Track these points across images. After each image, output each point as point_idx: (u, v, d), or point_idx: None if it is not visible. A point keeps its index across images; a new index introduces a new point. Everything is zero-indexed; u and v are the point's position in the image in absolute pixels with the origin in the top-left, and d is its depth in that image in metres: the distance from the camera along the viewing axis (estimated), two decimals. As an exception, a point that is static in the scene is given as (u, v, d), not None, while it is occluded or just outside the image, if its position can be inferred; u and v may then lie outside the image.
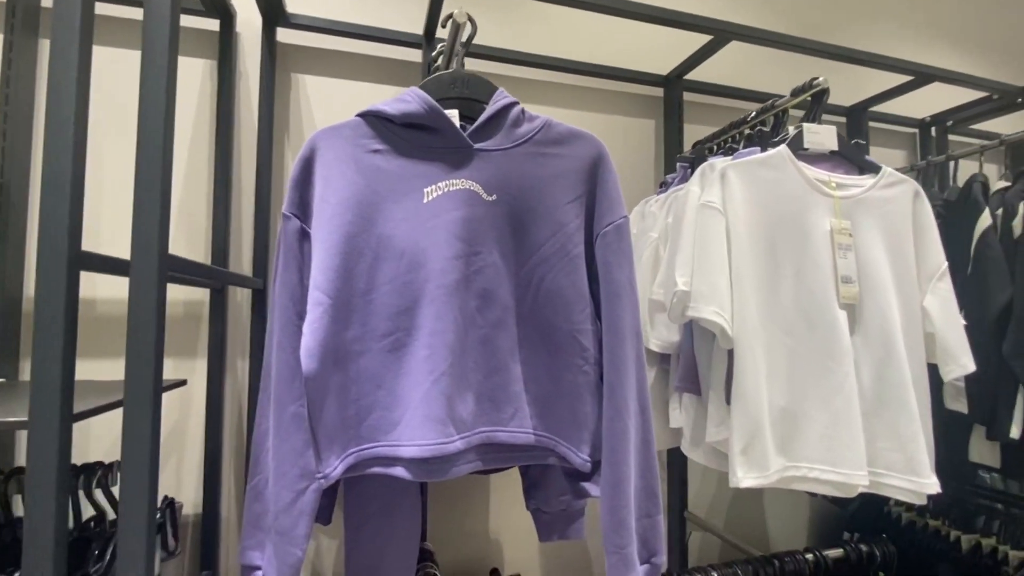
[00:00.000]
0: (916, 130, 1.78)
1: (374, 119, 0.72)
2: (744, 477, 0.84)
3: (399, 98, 0.72)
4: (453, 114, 0.75)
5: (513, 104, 0.76)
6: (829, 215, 0.95)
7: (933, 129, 1.77)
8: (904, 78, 1.47)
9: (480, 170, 0.73)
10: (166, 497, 0.94)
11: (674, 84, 1.44)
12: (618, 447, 0.70)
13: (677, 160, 1.18)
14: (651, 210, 1.17)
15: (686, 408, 1.04)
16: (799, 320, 0.91)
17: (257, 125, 1.16)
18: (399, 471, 0.67)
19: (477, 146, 0.73)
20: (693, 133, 1.47)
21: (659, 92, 1.48)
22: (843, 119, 1.66)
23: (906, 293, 0.96)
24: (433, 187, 0.71)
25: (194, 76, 1.15)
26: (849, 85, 1.68)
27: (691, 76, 1.44)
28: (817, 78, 0.99)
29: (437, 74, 0.77)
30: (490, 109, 0.74)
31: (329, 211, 0.69)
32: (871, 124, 1.67)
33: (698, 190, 0.94)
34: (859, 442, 0.88)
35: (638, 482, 0.72)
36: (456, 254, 0.69)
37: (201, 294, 1.12)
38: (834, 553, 1.11)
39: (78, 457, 0.85)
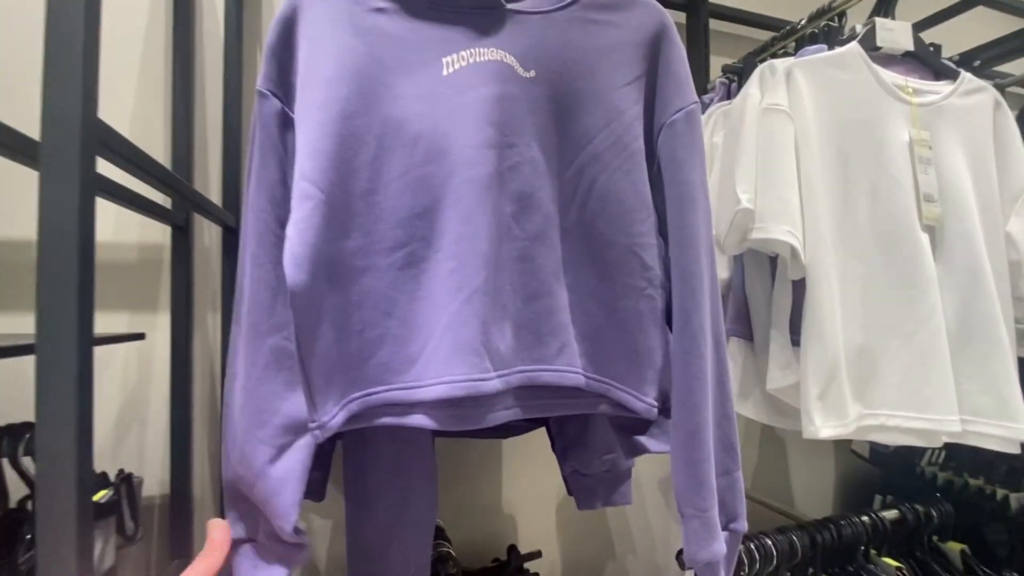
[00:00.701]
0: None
1: None
2: (823, 426, 0.72)
3: None
4: (478, -34, 0.58)
5: None
6: (907, 124, 0.82)
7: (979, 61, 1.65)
8: (941, 4, 1.35)
9: (514, 38, 0.57)
10: (122, 472, 0.77)
11: (698, 8, 1.29)
12: (696, 389, 0.56)
13: (722, 70, 1.03)
14: (691, 130, 1.02)
15: (734, 356, 0.91)
16: (875, 244, 0.78)
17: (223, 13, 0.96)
18: (419, 419, 0.51)
19: (510, 7, 0.57)
20: (719, 66, 1.32)
21: (681, 17, 1.32)
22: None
23: (990, 215, 0.83)
24: (455, 56, 0.55)
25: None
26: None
27: (717, 0, 1.29)
28: (891, -35, 0.85)
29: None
30: None
31: (318, 84, 0.52)
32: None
33: (758, 93, 0.79)
34: (949, 382, 0.76)
35: (715, 432, 0.58)
36: (487, 142, 0.53)
37: (161, 233, 0.94)
38: (890, 515, 1.01)
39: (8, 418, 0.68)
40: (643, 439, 0.68)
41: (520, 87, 0.56)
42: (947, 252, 0.81)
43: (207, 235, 0.98)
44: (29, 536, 0.60)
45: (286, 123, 0.54)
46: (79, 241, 0.39)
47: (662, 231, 0.60)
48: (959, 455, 1.29)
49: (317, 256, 0.49)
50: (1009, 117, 0.87)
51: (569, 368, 0.56)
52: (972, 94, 0.86)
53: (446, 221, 0.52)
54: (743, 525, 0.59)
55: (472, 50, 0.55)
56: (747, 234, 0.76)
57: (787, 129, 0.76)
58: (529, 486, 1.17)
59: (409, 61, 0.54)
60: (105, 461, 0.89)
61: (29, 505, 0.67)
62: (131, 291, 0.93)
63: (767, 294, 0.85)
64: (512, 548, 1.02)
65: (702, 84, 1.22)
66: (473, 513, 1.13)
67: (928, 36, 1.39)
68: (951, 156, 0.83)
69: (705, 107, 1.05)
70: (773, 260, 0.85)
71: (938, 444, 0.76)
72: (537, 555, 1.04)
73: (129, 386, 0.94)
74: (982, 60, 1.63)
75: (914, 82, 0.84)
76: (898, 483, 1.40)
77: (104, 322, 0.90)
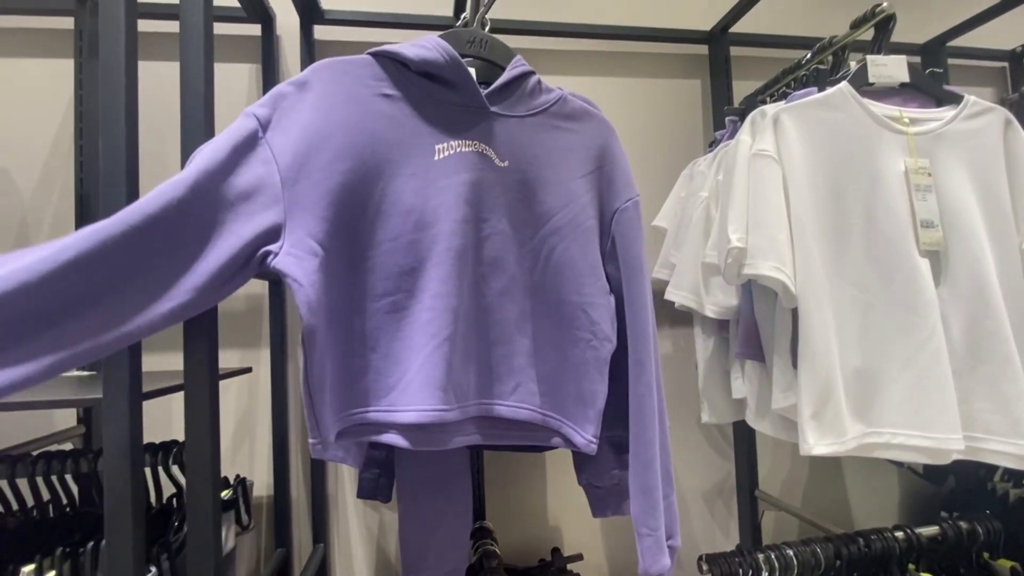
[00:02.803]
0: (1006, 63, 1.58)
1: (388, 61, 0.67)
2: (817, 443, 0.78)
3: (417, 43, 0.67)
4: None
5: (531, 73, 0.73)
6: (903, 154, 0.85)
7: (1027, 59, 1.57)
8: (989, 2, 1.31)
9: (494, 134, 0.70)
10: (238, 476, 0.99)
11: (719, 39, 1.36)
12: (649, 426, 0.69)
13: (725, 114, 1.11)
14: (700, 170, 1.11)
15: (749, 377, 0.98)
16: (873, 272, 0.83)
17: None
18: (393, 438, 0.63)
19: (494, 109, 0.70)
20: (743, 91, 1.37)
21: (703, 50, 1.40)
22: (917, 58, 1.50)
23: (1001, 237, 0.85)
24: (445, 144, 0.67)
25: (240, 81, 1.21)
26: (921, 20, 1.51)
27: (737, 28, 1.35)
28: (880, 3, 0.89)
29: (454, 29, 0.74)
30: (508, 73, 0.71)
31: (327, 154, 0.60)
32: (950, 61, 1.50)
33: (749, 139, 0.87)
34: (951, 402, 0.78)
35: (661, 463, 0.70)
36: (465, 218, 0.66)
37: (260, 287, 1.18)
38: (928, 531, 1.01)
39: (160, 436, 0.92)
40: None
41: (495, 174, 0.70)
42: (952, 276, 0.84)
43: (295, 285, 1.20)
44: (176, 522, 0.82)
45: (253, 143, 0.59)
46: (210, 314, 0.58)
47: (617, 292, 0.72)
48: (1031, 472, 1.23)
49: (321, 302, 0.60)
50: (1021, 134, 0.87)
51: (522, 405, 0.69)
52: (978, 116, 0.88)
53: (428, 280, 0.64)
54: (678, 541, 0.71)
55: (460, 140, 0.67)
56: (741, 269, 0.84)
57: (774, 173, 0.83)
58: (573, 494, 1.29)
59: (408, 144, 0.65)
60: (225, 467, 1.14)
61: (175, 502, 0.90)
62: (241, 333, 1.17)
63: (772, 320, 0.91)
64: (555, 550, 1.14)
65: (721, 117, 1.29)
66: (521, 518, 1.26)
67: (979, 37, 1.36)
68: (954, 180, 0.85)
69: (718, 143, 1.13)
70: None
71: (946, 461, 0.79)
72: (579, 558, 1.15)
73: (242, 408, 1.18)
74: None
75: (912, 112, 0.88)
76: (967, 500, 1.35)
77: (222, 360, 1.15)
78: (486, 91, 0.71)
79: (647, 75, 1.40)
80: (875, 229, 0.84)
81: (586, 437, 0.71)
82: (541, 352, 0.72)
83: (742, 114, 1.07)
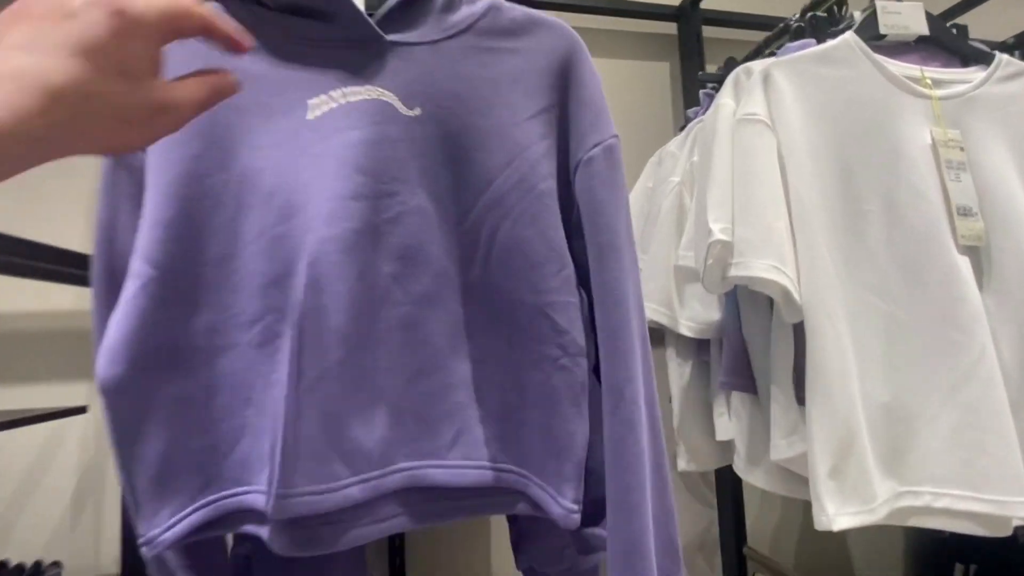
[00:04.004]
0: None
1: (234, 2, 0.48)
2: (839, 513, 0.56)
3: None
4: (355, -6, 0.51)
5: None
6: (927, 123, 0.66)
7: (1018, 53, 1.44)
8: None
9: (397, 73, 0.49)
10: (46, 564, 0.71)
11: (690, 15, 1.18)
12: (634, 487, 0.44)
13: (700, 81, 0.91)
14: (670, 150, 0.90)
15: (738, 413, 0.76)
16: (898, 274, 0.63)
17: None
18: (266, 534, 0.43)
19: (391, 38, 0.49)
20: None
21: (672, 28, 1.22)
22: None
23: (1054, 227, 0.66)
24: (324, 97, 0.48)
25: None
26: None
27: (710, 4, 1.18)
28: (890, -62, 0.71)
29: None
30: None
31: (167, 141, 0.45)
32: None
33: (732, 103, 0.67)
34: (1012, 447, 0.58)
35: (656, 533, 0.45)
36: (355, 193, 0.45)
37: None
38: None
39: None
40: (598, 532, 0.54)
41: (403, 127, 0.48)
42: (997, 278, 0.64)
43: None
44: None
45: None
46: None
47: (586, 286, 0.48)
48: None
49: (142, 343, 0.42)
50: (1068, 102, 0.69)
51: (467, 463, 0.45)
52: (1015, 79, 0.70)
53: (297, 290, 0.43)
54: None
55: (345, 89, 0.48)
56: (726, 271, 0.62)
57: (767, 142, 0.63)
58: (522, 560, 1.04)
59: (270, 105, 0.47)
60: (60, 543, 0.85)
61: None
62: (70, 361, 0.90)
63: (767, 339, 0.70)
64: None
65: (696, 100, 1.10)
66: (456, 590, 1.00)
67: (978, 20, 1.21)
68: (992, 157, 0.66)
69: (688, 122, 0.93)
70: (771, 297, 0.70)
71: (1006, 532, 0.58)
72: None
73: (85, 462, 0.90)
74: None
75: (934, 71, 0.69)
76: (989, 550, 1.15)
77: (46, 395, 0.88)
78: (379, 14, 0.50)
79: (609, 55, 1.20)
80: (898, 218, 0.64)
81: (564, 505, 0.46)
82: (489, 380, 0.49)
83: (721, 82, 0.87)
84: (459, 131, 0.49)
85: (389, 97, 0.48)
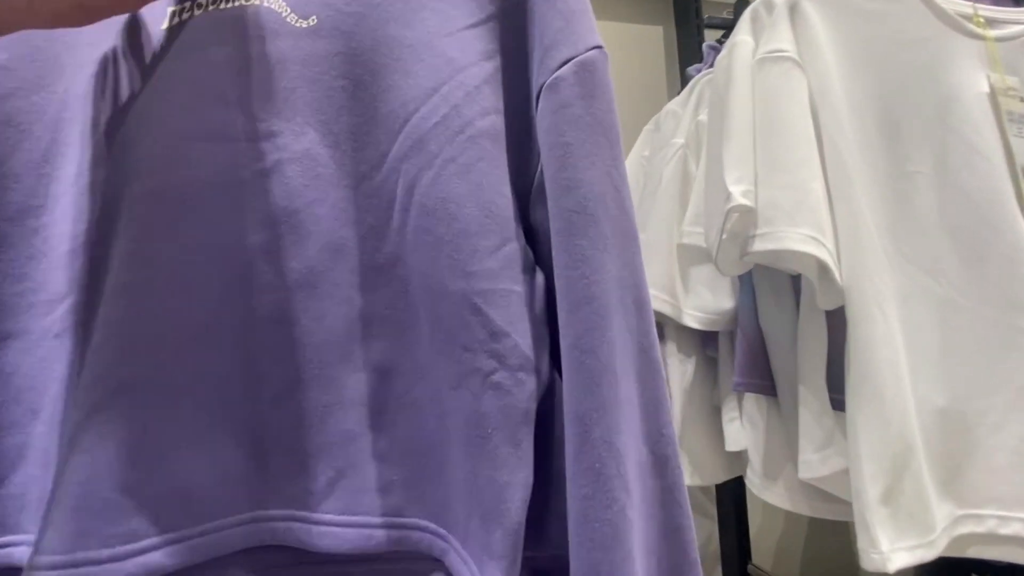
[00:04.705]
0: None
1: None
2: (894, 549, 0.44)
3: None
4: None
5: None
6: (982, 67, 0.55)
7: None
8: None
9: None
10: None
11: (685, -26, 1.06)
12: (604, 566, 0.26)
13: (705, 28, 0.79)
14: (671, 109, 0.78)
15: (751, 419, 0.65)
16: (952, 249, 0.52)
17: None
18: None
19: None
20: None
21: (666, -12, 1.11)
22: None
23: None
24: (186, 4, 0.35)
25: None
26: None
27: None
28: None
29: None
30: None
31: None
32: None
33: (750, 39, 0.55)
34: (1100, 465, 0.47)
35: None
36: (210, 132, 0.32)
37: None
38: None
39: None
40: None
41: (289, 43, 0.33)
42: (1070, 253, 0.53)
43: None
44: None
45: None
46: None
47: (551, 262, 0.34)
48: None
49: None
50: None
51: (345, 518, 0.31)
52: (1078, 21, 0.59)
53: (111, 261, 0.30)
54: None
55: None
56: (747, 245, 0.50)
57: (797, 84, 0.51)
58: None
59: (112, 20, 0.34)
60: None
61: None
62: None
63: (791, 331, 0.58)
64: None
65: (698, 58, 0.98)
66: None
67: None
68: (1057, 110, 0.56)
69: (689, 79, 0.81)
70: (796, 280, 0.58)
71: (1094, 566, 0.47)
72: None
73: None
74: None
75: (987, 8, 0.58)
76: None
77: None
78: None
79: (598, 17, 1.08)
80: (951, 181, 0.52)
81: None
82: (397, 400, 0.33)
83: (730, 28, 0.75)
84: (369, 47, 0.33)
85: (274, 4, 0.34)
